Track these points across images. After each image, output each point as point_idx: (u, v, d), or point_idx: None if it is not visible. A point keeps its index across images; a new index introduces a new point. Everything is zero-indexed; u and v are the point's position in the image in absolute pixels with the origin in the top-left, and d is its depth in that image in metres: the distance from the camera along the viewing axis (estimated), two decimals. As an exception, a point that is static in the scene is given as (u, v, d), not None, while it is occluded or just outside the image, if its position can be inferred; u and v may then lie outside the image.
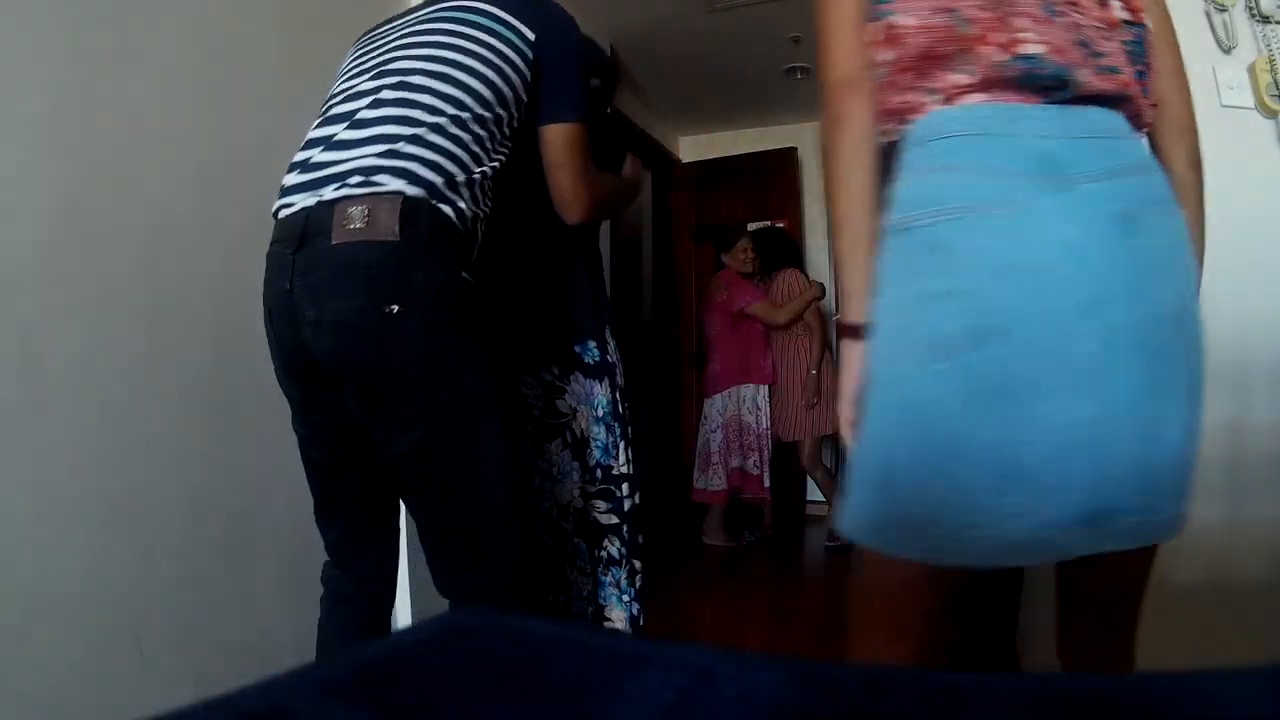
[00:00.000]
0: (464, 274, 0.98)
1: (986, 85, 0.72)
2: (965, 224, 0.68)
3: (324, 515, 1.10)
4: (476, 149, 0.99)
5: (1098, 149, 0.70)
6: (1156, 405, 0.67)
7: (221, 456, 1.48)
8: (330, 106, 1.03)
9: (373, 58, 1.05)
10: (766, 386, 3.53)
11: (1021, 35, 0.71)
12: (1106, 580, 0.80)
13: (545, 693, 0.29)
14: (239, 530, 1.50)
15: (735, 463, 3.49)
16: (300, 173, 0.98)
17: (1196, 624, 1.36)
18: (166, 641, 1.37)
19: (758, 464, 3.46)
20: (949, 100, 0.73)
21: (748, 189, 4.39)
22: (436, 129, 0.95)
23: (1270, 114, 1.40)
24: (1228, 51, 1.43)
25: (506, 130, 1.06)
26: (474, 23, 1.04)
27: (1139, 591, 0.80)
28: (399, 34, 1.06)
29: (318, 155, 0.97)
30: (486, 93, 1.00)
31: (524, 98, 1.06)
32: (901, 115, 0.75)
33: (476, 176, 1.00)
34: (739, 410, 3.52)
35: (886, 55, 0.75)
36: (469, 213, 0.99)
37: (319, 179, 0.94)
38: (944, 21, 0.72)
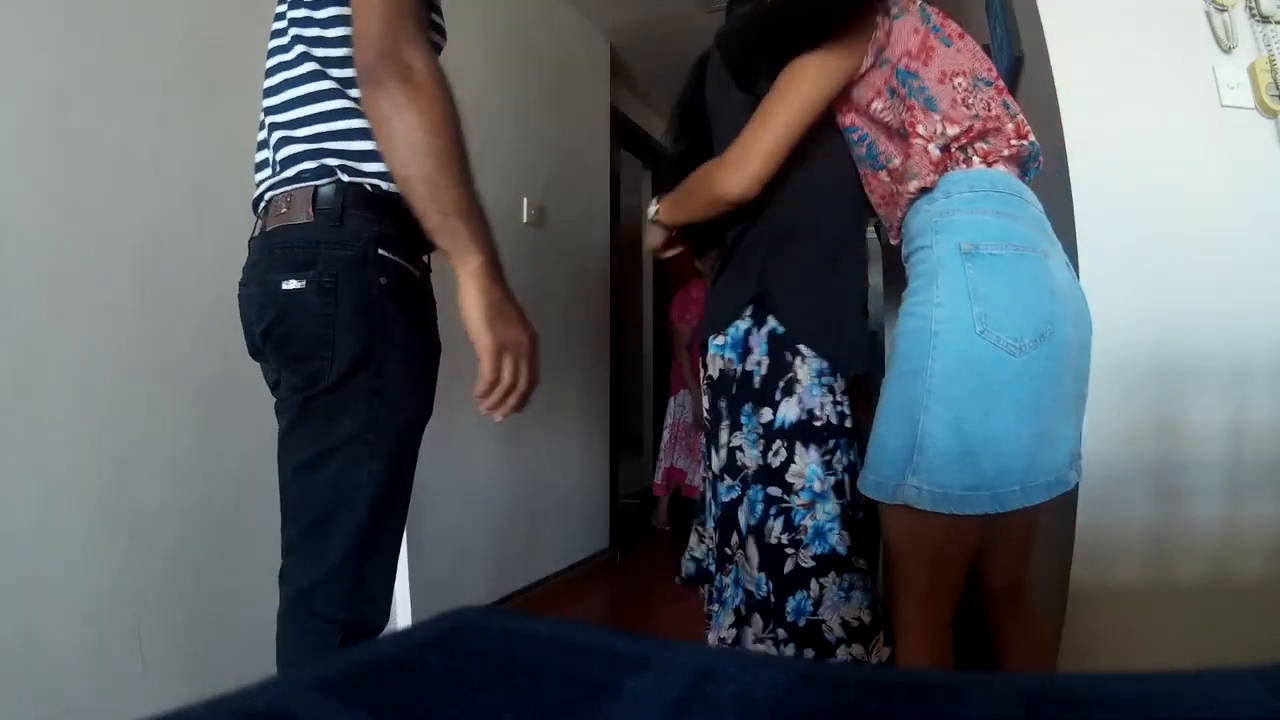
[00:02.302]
0: (384, 252, 0.92)
1: (1010, 159, 1.00)
2: (1026, 259, 0.93)
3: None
4: (333, 104, 0.94)
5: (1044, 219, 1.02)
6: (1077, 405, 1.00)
7: (221, 456, 1.48)
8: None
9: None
10: None
11: (1021, 121, 1.01)
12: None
13: (545, 693, 0.29)
14: (239, 529, 1.50)
15: (676, 461, 3.72)
16: (256, 171, 1.04)
17: (1196, 624, 1.36)
18: (166, 641, 1.37)
19: (691, 461, 3.66)
20: (988, 163, 0.98)
21: (747, 189, 4.38)
22: (298, 123, 0.96)
23: (1270, 114, 1.40)
24: (1228, 51, 1.43)
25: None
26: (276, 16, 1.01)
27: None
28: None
29: (261, 159, 1.03)
30: (308, 52, 0.94)
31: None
32: (945, 167, 0.99)
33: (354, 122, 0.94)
34: (683, 412, 3.75)
35: (950, 129, 0.98)
36: (385, 172, 0.93)
37: (265, 183, 1.00)
38: (984, 110, 0.99)
